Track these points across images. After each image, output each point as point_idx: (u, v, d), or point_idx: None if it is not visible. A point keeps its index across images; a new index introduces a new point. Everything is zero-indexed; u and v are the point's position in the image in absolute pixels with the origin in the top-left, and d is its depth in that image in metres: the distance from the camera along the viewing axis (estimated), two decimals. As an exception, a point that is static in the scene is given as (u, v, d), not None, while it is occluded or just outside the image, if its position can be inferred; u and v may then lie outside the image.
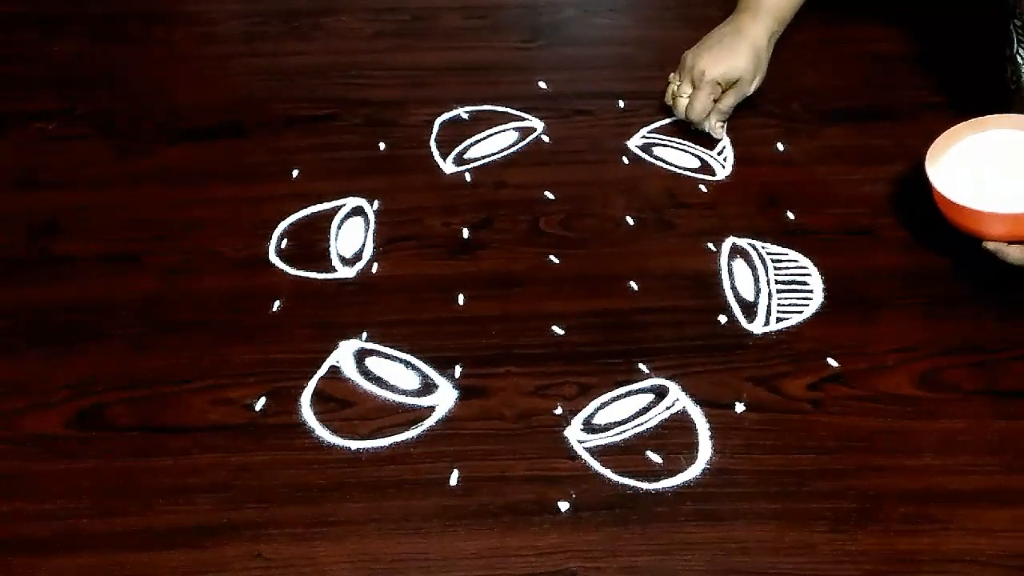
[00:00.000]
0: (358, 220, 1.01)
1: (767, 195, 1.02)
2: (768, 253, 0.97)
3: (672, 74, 1.08)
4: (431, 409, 0.86)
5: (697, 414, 0.85)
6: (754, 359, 0.89)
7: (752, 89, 1.06)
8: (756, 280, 0.95)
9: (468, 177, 1.05)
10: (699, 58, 1.04)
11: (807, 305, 0.93)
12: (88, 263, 0.98)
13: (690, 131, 1.08)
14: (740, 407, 0.86)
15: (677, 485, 0.81)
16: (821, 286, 0.94)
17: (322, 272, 0.97)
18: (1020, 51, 0.97)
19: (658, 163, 1.06)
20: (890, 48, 1.16)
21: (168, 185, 1.05)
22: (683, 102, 1.06)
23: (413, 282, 0.96)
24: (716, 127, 1.06)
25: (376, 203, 1.03)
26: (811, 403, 0.86)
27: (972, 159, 0.92)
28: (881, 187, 1.02)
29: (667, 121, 1.10)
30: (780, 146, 1.07)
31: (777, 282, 0.94)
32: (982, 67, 1.04)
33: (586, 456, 0.83)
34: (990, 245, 0.88)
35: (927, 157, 0.91)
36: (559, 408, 0.86)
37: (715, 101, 1.05)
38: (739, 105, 1.09)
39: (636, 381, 0.87)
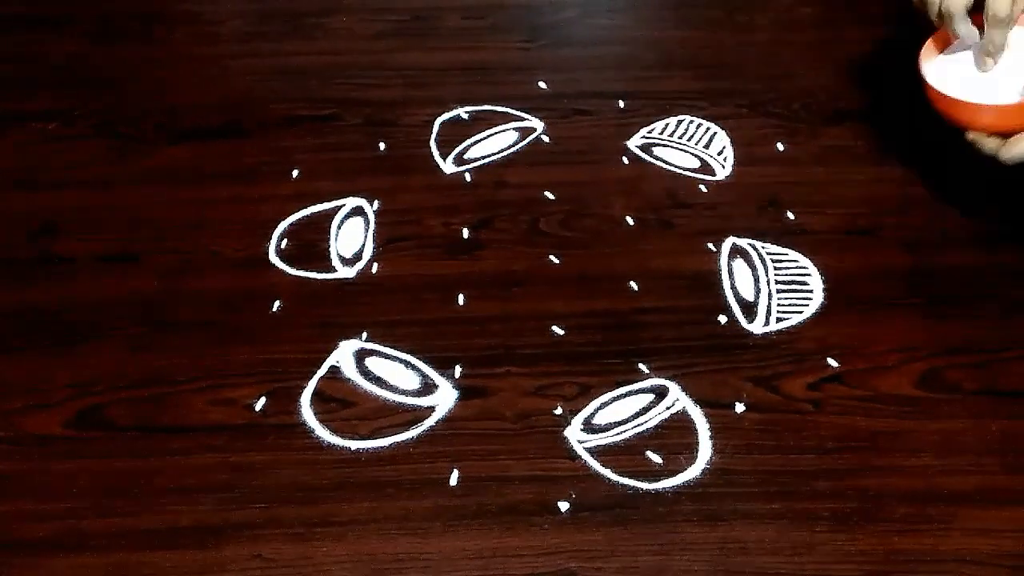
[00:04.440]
0: (358, 220, 1.01)
1: (767, 195, 1.02)
2: (768, 253, 0.97)
3: None
4: (431, 409, 0.86)
5: (697, 414, 0.85)
6: (754, 359, 0.89)
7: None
8: (756, 280, 0.95)
9: (468, 177, 1.05)
10: None
11: (807, 305, 0.93)
12: (88, 263, 0.98)
13: (686, 135, 1.08)
14: (740, 407, 0.86)
15: (677, 485, 0.81)
16: (821, 286, 0.94)
17: (322, 272, 0.97)
18: None
19: (658, 163, 1.06)
20: (889, 49, 1.16)
21: (168, 185, 1.05)
22: None
23: (413, 282, 0.96)
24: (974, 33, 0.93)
25: (376, 203, 1.03)
26: (811, 403, 0.86)
27: (964, 56, 0.95)
28: (881, 187, 1.02)
29: (667, 122, 1.09)
30: (780, 146, 1.07)
31: (777, 282, 0.94)
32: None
33: (586, 456, 0.83)
34: (971, 135, 0.91)
35: (921, 53, 0.95)
36: (559, 408, 0.86)
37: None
38: (739, 105, 1.09)
39: (636, 381, 0.87)
